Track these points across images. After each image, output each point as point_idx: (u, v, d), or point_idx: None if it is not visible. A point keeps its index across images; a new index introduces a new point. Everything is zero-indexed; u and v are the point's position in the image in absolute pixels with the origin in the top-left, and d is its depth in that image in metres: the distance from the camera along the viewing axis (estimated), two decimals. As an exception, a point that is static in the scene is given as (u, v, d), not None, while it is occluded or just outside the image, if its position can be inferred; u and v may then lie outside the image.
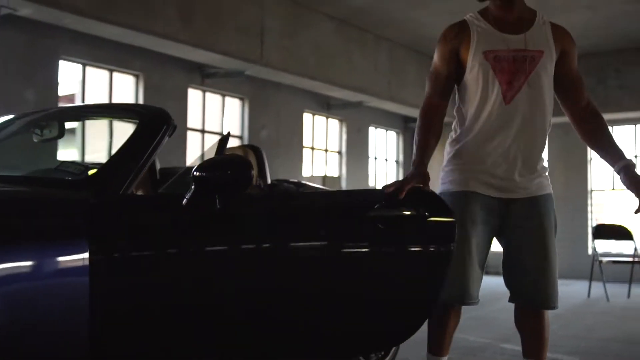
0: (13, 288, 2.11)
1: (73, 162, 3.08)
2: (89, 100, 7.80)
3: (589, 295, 8.66)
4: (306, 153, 10.61)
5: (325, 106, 10.85)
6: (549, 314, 2.92)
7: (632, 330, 6.05)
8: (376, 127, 12.13)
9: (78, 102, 7.63)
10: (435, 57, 2.88)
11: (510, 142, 2.72)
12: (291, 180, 4.18)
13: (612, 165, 2.88)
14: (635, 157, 11.82)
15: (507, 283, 2.84)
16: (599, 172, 12.17)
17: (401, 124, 12.76)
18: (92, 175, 2.76)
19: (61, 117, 3.37)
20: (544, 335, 2.80)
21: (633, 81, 11.00)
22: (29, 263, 2.17)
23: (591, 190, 12.07)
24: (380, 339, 3.00)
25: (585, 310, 7.57)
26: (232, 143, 9.52)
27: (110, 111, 3.47)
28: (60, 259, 2.25)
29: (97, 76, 7.95)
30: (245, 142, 9.52)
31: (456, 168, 2.81)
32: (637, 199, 2.71)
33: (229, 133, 3.36)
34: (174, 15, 7.45)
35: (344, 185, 10.70)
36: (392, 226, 2.75)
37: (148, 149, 2.86)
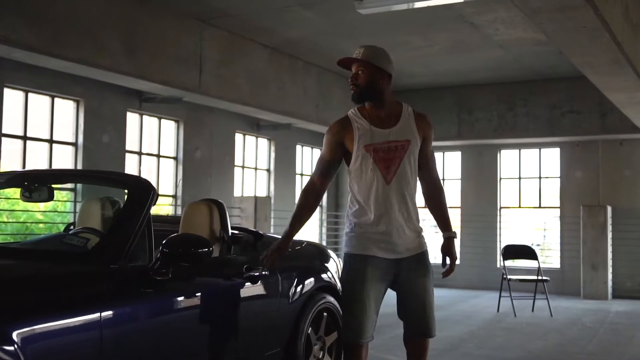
0: (39, 347, 2.59)
1: (76, 236, 3.45)
2: (31, 126, 7.98)
3: (498, 310, 9.50)
4: (237, 172, 11.04)
5: (256, 127, 11.32)
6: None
7: (535, 349, 6.84)
8: (302, 146, 12.69)
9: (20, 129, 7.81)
10: (324, 144, 3.68)
11: (395, 214, 3.49)
12: (250, 229, 4.64)
13: (442, 231, 3.73)
14: (540, 178, 12.86)
15: (401, 318, 3.72)
16: (508, 190, 13.16)
17: (326, 142, 13.35)
18: (95, 248, 3.18)
19: (51, 181, 3.74)
20: (425, 356, 3.74)
21: (538, 110, 12.01)
22: (53, 324, 2.67)
23: (501, 207, 13.03)
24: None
25: (496, 326, 8.37)
26: (168, 166, 9.85)
27: (99, 180, 3.86)
28: (78, 319, 2.76)
29: (39, 102, 8.14)
30: (180, 162, 9.88)
31: (359, 236, 3.54)
32: (447, 265, 3.69)
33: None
34: (119, 48, 7.75)
35: (273, 203, 11.19)
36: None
37: (139, 220, 3.33)
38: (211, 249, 3.33)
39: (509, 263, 9.77)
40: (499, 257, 12.85)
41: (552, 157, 12.81)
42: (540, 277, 9.37)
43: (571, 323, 8.66)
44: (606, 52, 6.23)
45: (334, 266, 4.94)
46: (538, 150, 12.89)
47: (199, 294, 3.54)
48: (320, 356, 4.52)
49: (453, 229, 3.73)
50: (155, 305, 3.22)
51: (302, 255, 4.71)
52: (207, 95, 9.07)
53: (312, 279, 4.51)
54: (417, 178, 3.61)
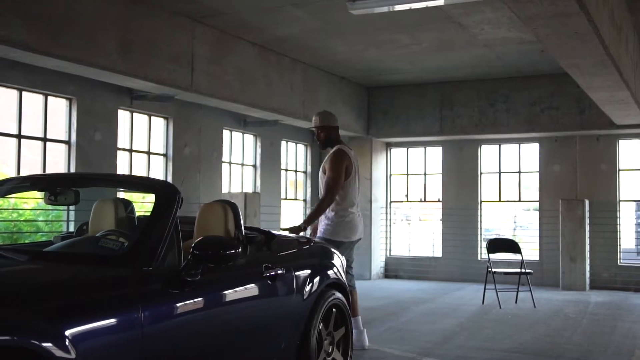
0: (89, 345, 2.74)
1: (111, 239, 3.57)
2: (25, 123, 8.01)
3: (483, 302, 9.76)
4: (225, 168, 11.15)
5: (242, 123, 11.43)
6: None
7: (525, 340, 7.11)
8: (287, 141, 12.83)
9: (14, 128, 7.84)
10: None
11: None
12: (261, 229, 4.79)
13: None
14: (519, 172, 13.18)
15: None
16: (488, 185, 13.46)
17: (309, 138, 13.52)
18: (131, 251, 3.32)
19: (76, 184, 3.85)
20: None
21: (518, 106, 12.29)
22: (100, 323, 2.83)
23: (481, 201, 13.32)
24: None
25: (483, 318, 8.63)
26: (158, 163, 9.93)
27: (126, 184, 3.97)
28: (122, 318, 2.93)
29: (32, 100, 8.16)
30: (170, 159, 9.96)
31: (347, 227, 6.31)
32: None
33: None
34: (113, 47, 7.81)
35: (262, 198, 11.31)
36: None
37: (168, 223, 3.48)
38: (239, 250, 3.49)
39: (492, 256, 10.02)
40: (479, 249, 13.17)
41: (531, 152, 13.12)
42: (523, 270, 9.65)
43: (554, 314, 8.95)
44: (593, 55, 6.47)
45: (339, 263, 5.13)
46: (518, 145, 13.19)
47: (224, 293, 3.69)
48: (330, 351, 4.70)
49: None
50: (186, 304, 3.36)
51: (312, 253, 4.88)
52: (198, 93, 9.16)
53: (322, 276, 4.69)
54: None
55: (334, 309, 4.73)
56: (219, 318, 3.60)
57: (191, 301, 3.38)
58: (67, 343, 2.59)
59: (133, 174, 9.37)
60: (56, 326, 2.61)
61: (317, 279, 4.61)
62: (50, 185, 3.88)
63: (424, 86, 12.97)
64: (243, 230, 4.34)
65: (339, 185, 6.13)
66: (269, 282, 4.04)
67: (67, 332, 2.62)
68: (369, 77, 12.50)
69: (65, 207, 8.45)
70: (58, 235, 5.14)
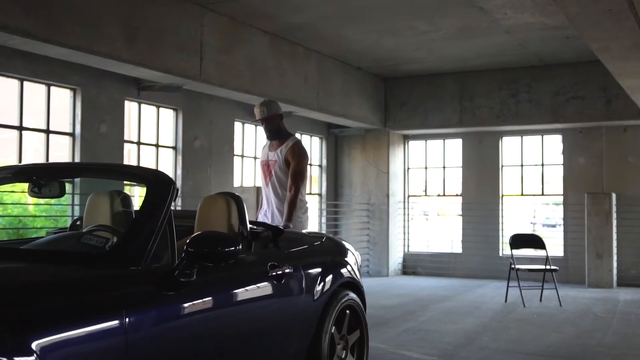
0: (66, 353, 2.40)
1: (93, 235, 3.22)
2: (27, 115, 7.70)
3: (506, 300, 9.33)
4: (237, 161, 10.80)
5: (254, 119, 11.03)
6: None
7: (553, 342, 6.68)
8: (302, 134, 12.44)
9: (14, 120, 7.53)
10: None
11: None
12: (268, 224, 4.42)
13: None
14: (542, 165, 12.70)
15: None
16: (510, 178, 13.00)
17: (324, 130, 13.15)
18: (115, 248, 2.95)
19: (62, 175, 3.49)
20: None
21: (541, 96, 11.81)
22: (76, 332, 2.46)
23: (502, 195, 12.86)
24: None
25: (507, 317, 8.20)
26: (167, 156, 9.59)
27: (116, 174, 3.60)
28: (102, 325, 2.56)
29: (35, 90, 7.85)
30: (179, 152, 9.62)
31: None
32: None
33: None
34: (118, 35, 7.46)
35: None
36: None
37: (160, 217, 3.11)
38: (239, 247, 3.12)
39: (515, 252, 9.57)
40: (501, 245, 12.72)
41: (554, 144, 12.65)
42: (548, 267, 9.21)
43: (582, 313, 8.50)
44: (627, 37, 6.02)
45: (353, 260, 4.74)
46: (540, 137, 12.71)
47: (224, 294, 3.32)
48: (343, 356, 4.32)
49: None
50: (180, 307, 3.01)
51: (323, 250, 4.50)
52: (208, 84, 8.79)
53: (334, 275, 4.31)
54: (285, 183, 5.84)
55: (347, 311, 4.35)
56: (217, 323, 3.23)
57: (185, 304, 3.02)
58: (34, 356, 2.23)
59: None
60: (21, 337, 2.25)
61: (329, 278, 4.22)
62: (34, 176, 3.53)
63: (442, 76, 12.52)
64: (248, 226, 3.96)
65: (305, 178, 5.93)
66: (274, 282, 3.67)
67: (34, 344, 2.26)
68: (385, 67, 12.07)
69: (70, 202, 8.14)
70: (51, 231, 4.80)
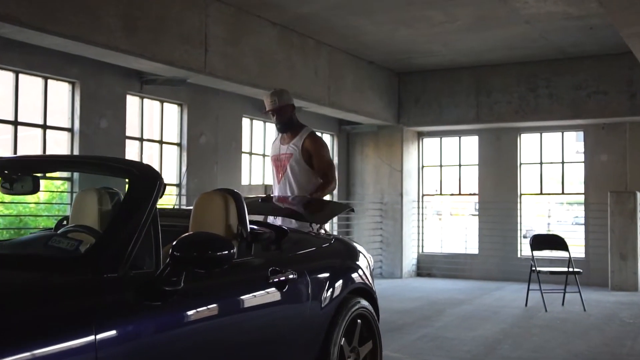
0: None
1: (65, 237, 2.82)
2: (22, 109, 7.34)
3: (526, 304, 8.87)
4: (245, 158, 10.40)
5: (263, 110, 10.63)
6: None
7: (580, 350, 6.22)
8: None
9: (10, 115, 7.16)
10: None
11: None
12: (270, 223, 4.01)
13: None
14: (562, 163, 12.21)
15: None
16: (529, 176, 12.52)
17: (336, 127, 12.73)
18: (89, 252, 2.55)
19: (36, 169, 3.10)
20: None
21: (562, 90, 11.33)
22: (36, 352, 2.07)
23: (521, 194, 12.38)
24: None
25: (529, 322, 7.75)
26: (171, 153, 9.21)
27: (93, 167, 3.19)
28: (68, 344, 2.17)
29: (31, 84, 7.49)
30: (184, 149, 9.24)
31: None
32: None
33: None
34: (117, 24, 7.08)
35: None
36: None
37: (143, 216, 2.72)
38: (233, 250, 2.70)
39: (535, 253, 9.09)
40: (519, 246, 12.25)
41: (576, 141, 12.16)
42: (571, 269, 8.74)
43: (608, 319, 8.03)
44: (663, 21, 5.57)
45: (365, 263, 4.32)
46: (561, 133, 12.23)
47: (216, 304, 2.91)
48: (354, 370, 3.90)
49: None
50: (164, 320, 2.60)
51: (332, 253, 4.08)
52: (212, 76, 8.39)
53: (344, 281, 3.89)
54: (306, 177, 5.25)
55: (359, 320, 3.93)
56: (208, 336, 2.82)
57: (170, 316, 2.62)
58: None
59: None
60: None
61: (338, 284, 3.80)
62: (5, 171, 3.14)
63: (458, 71, 12.06)
64: (248, 226, 3.55)
65: (335, 169, 5.37)
66: (276, 289, 3.25)
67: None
68: (399, 60, 11.63)
69: (69, 201, 7.78)
70: (35, 232, 4.42)
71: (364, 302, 4.01)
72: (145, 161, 8.96)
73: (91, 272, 2.45)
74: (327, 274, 3.73)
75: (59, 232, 3.05)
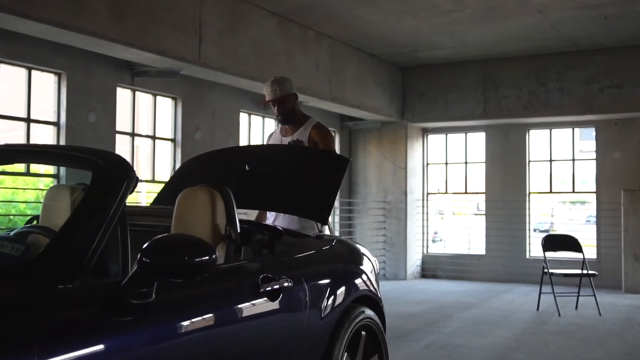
0: None
1: (12, 240, 2.38)
2: (4, 101, 6.91)
3: (538, 308, 8.43)
4: (242, 155, 9.95)
5: (262, 105, 10.18)
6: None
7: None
8: (313, 127, 11.57)
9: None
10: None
11: None
12: (264, 224, 3.57)
13: None
14: (573, 160, 11.76)
15: None
16: (538, 174, 12.07)
17: (338, 123, 12.29)
18: (38, 258, 2.11)
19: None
20: None
21: (573, 84, 10.88)
22: None
23: (529, 193, 11.93)
24: None
25: (542, 328, 7.30)
26: (165, 149, 8.77)
27: (50, 157, 2.75)
28: None
29: (14, 75, 7.05)
30: (179, 145, 8.80)
31: None
32: None
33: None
34: (104, 11, 6.64)
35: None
36: None
37: (107, 215, 2.28)
38: (214, 256, 2.26)
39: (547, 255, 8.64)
40: (527, 246, 11.81)
41: (587, 137, 11.71)
42: (585, 271, 8.30)
43: (626, 324, 7.58)
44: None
45: (370, 268, 3.87)
46: (571, 129, 11.78)
47: (196, 319, 2.46)
48: (358, 388, 3.46)
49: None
50: (129, 338, 2.16)
51: (333, 256, 3.63)
52: (207, 68, 7.95)
53: (346, 289, 3.45)
54: None
55: (363, 332, 3.49)
56: (185, 357, 2.38)
57: (137, 334, 2.18)
58: None
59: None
60: None
61: (340, 292, 3.36)
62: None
63: (465, 64, 11.61)
64: (238, 226, 3.12)
65: None
66: (267, 299, 2.81)
67: None
68: (403, 54, 11.17)
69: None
70: (6, 231, 3.97)
71: (369, 312, 3.57)
72: (137, 158, 8.53)
73: (40, 282, 2.01)
74: (327, 281, 3.29)
75: (11, 233, 2.61)
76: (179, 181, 4.13)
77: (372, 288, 3.72)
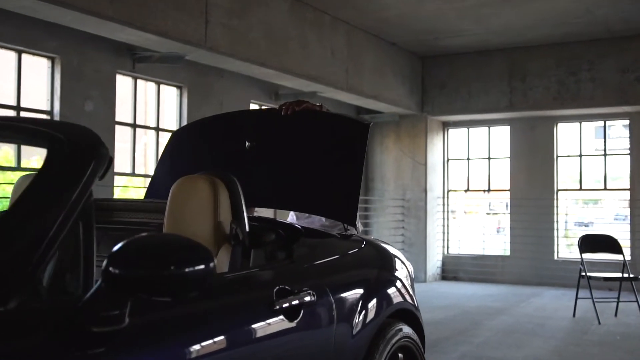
0: None
1: None
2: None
3: (574, 315, 7.73)
4: (252, 149, 9.31)
5: (274, 95, 9.57)
6: None
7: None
8: (328, 120, 10.91)
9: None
10: None
11: None
12: (280, 221, 2.90)
13: None
14: (604, 155, 11.04)
15: None
16: (566, 170, 11.36)
17: (353, 116, 11.59)
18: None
19: None
20: None
21: (606, 74, 10.17)
22: None
23: (557, 190, 11.22)
24: None
25: (583, 338, 6.60)
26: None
27: (8, 133, 2.09)
28: None
29: (1, 58, 6.44)
30: (184, 137, 8.15)
31: None
32: None
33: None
34: (100, -16, 6.01)
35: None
36: None
37: (63, 208, 1.64)
38: (213, 264, 1.59)
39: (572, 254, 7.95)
40: (556, 247, 11.10)
41: (620, 130, 10.99)
42: (627, 275, 7.60)
43: (675, 333, 6.88)
44: None
45: (405, 273, 3.21)
46: (603, 122, 11.07)
47: (189, 350, 1.80)
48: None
49: None
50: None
51: (363, 262, 2.96)
52: (214, 52, 7.30)
53: (380, 302, 2.79)
54: None
55: (400, 354, 2.83)
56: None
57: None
58: None
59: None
60: None
61: (372, 305, 2.70)
62: None
63: (489, 53, 10.91)
64: (246, 223, 2.46)
65: None
66: (284, 318, 2.15)
67: None
68: (424, 42, 10.48)
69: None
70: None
71: (407, 330, 2.92)
72: (139, 150, 7.91)
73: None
74: (358, 292, 2.63)
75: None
76: (173, 167, 3.47)
77: (409, 299, 3.07)
